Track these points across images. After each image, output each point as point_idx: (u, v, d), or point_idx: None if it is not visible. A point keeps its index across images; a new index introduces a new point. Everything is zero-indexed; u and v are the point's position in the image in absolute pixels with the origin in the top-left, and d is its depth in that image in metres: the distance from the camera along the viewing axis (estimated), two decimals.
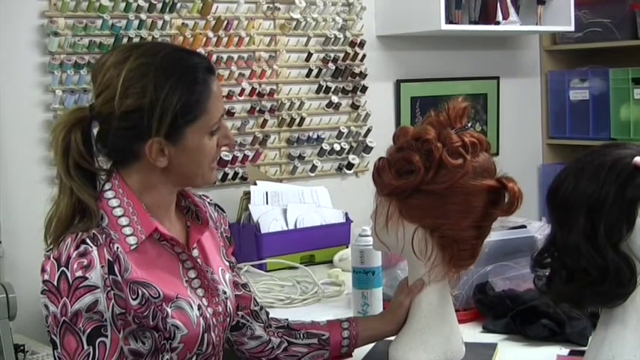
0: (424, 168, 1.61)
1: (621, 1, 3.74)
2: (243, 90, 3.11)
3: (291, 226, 2.94)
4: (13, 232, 2.65)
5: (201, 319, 1.54)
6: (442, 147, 1.61)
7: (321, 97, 3.32)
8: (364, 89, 3.42)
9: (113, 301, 1.43)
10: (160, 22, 2.90)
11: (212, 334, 1.58)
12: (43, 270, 1.44)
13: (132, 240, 1.49)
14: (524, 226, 2.41)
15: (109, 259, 1.44)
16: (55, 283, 1.41)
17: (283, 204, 2.98)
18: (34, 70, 2.73)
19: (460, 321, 1.79)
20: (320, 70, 3.30)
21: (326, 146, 3.33)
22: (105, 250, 1.44)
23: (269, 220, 2.90)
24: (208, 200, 1.74)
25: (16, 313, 2.28)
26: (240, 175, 3.14)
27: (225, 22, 3.05)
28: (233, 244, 1.80)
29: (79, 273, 1.41)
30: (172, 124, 1.47)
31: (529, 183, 3.91)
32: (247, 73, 3.12)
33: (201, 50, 2.97)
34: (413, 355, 1.69)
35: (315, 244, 2.94)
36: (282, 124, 3.23)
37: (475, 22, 3.56)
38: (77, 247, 1.42)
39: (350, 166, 3.40)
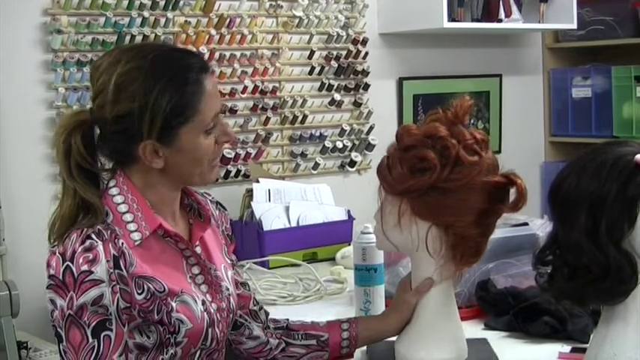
0: (440, 165, 1.60)
1: None
2: (245, 88, 3.11)
3: (294, 224, 2.94)
4: (16, 229, 2.66)
5: (205, 313, 1.55)
6: (457, 144, 1.61)
7: (323, 95, 3.33)
8: (367, 87, 3.42)
9: (119, 295, 1.44)
10: (162, 20, 2.91)
11: (216, 329, 1.58)
12: (48, 265, 1.45)
13: (136, 236, 1.50)
14: (526, 224, 2.42)
15: (114, 254, 1.45)
16: (61, 277, 1.42)
17: (286, 201, 2.98)
18: (37, 67, 2.73)
19: (462, 318, 1.79)
20: (322, 67, 3.31)
21: (328, 144, 3.33)
22: (110, 245, 1.45)
23: (271, 217, 2.90)
24: (210, 198, 1.75)
25: (19, 310, 2.29)
26: (242, 173, 3.14)
27: (228, 20, 3.05)
28: (234, 241, 1.81)
29: (85, 267, 1.42)
30: (164, 127, 1.48)
31: (531, 180, 3.90)
32: (250, 70, 3.12)
33: (203, 48, 2.97)
34: (425, 354, 1.69)
35: (317, 241, 2.94)
36: (285, 121, 3.24)
37: (477, 20, 3.56)
38: (82, 242, 1.43)
39: (352, 163, 3.40)
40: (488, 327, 2.04)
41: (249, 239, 2.87)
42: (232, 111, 3.07)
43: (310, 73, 3.29)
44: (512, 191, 1.65)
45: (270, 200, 2.96)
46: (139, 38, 2.86)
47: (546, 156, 4.10)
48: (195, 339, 1.54)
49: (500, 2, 3.53)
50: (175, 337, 1.51)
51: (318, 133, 3.30)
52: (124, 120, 1.48)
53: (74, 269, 1.42)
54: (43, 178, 2.74)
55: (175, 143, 1.50)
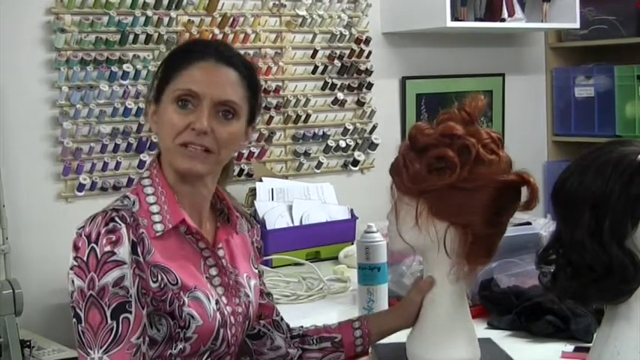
0: (460, 164, 1.58)
1: None
2: None
3: (297, 223, 2.95)
4: (19, 228, 2.66)
5: (217, 313, 1.55)
6: (477, 143, 1.60)
7: (326, 94, 3.33)
8: (370, 86, 3.43)
9: (138, 278, 1.46)
10: (166, 19, 2.91)
11: (228, 331, 1.58)
12: (74, 247, 1.47)
13: (158, 227, 1.52)
14: (529, 223, 2.41)
15: (133, 240, 1.47)
16: (85, 258, 1.44)
17: (289, 200, 2.98)
18: (41, 66, 2.73)
19: None
20: (325, 67, 3.31)
21: (331, 143, 3.33)
22: (131, 230, 1.47)
23: (275, 216, 2.91)
24: (244, 210, 1.75)
25: (22, 308, 2.29)
26: (245, 172, 3.14)
27: (231, 19, 3.05)
28: (262, 255, 1.83)
29: (108, 248, 1.44)
30: (157, 86, 1.58)
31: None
32: None
33: None
34: (444, 354, 1.68)
35: (320, 240, 2.94)
36: (288, 120, 3.24)
37: (480, 19, 3.57)
38: (106, 224, 1.46)
39: (355, 162, 3.40)
40: (492, 326, 2.04)
41: None
42: None
43: (313, 72, 3.29)
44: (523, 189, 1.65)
45: (273, 199, 2.96)
46: (142, 37, 2.86)
47: (549, 155, 4.10)
48: (205, 337, 1.54)
49: (503, 1, 3.53)
50: (185, 333, 1.51)
51: (321, 132, 3.30)
52: (151, 86, 1.61)
53: (98, 250, 1.44)
54: (46, 176, 2.74)
55: (159, 105, 1.56)
